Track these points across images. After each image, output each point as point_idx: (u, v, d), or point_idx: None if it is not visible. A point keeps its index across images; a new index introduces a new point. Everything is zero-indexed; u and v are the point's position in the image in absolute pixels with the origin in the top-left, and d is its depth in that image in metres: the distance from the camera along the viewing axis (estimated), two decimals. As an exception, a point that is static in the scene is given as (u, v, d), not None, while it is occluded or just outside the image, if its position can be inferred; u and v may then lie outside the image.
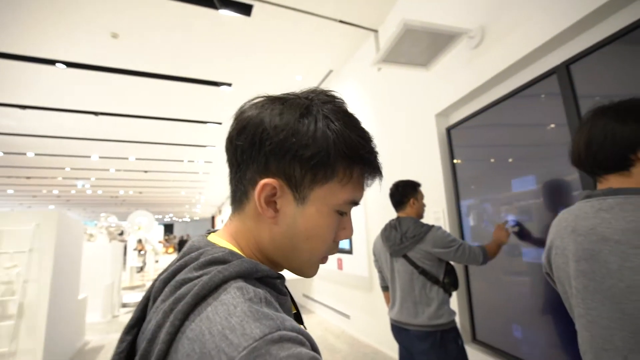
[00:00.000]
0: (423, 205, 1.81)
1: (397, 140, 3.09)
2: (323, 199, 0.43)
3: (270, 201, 0.43)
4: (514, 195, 1.92)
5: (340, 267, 4.22)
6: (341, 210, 0.45)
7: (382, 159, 0.49)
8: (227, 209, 14.58)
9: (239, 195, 0.46)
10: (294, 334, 0.32)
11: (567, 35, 1.56)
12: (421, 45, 2.01)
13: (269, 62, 4.06)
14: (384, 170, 0.49)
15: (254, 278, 0.40)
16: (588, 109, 0.86)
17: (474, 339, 2.24)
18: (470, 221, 2.29)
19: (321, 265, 0.49)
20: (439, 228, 1.67)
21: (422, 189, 1.83)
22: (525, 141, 1.87)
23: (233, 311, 0.33)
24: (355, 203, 0.46)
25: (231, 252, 0.41)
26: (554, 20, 1.57)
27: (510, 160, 2.00)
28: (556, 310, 1.64)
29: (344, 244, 3.96)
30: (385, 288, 1.94)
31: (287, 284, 0.47)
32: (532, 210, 1.82)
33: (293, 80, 4.46)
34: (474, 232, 2.26)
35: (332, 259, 4.32)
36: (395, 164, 3.05)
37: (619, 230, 0.71)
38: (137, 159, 8.47)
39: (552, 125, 1.69)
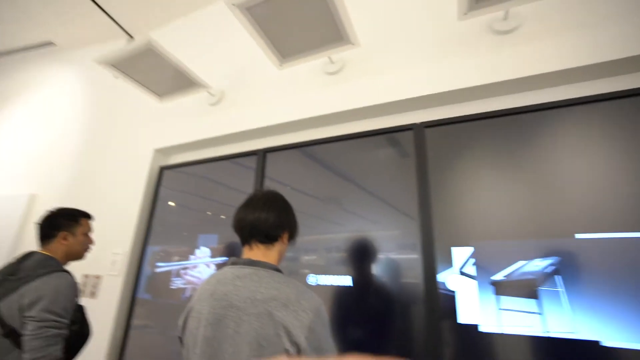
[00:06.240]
0: (84, 244, 1.46)
1: (107, 159, 2.60)
2: None
3: None
4: (195, 249, 1.99)
5: None
6: None
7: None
8: None
9: None
10: None
11: (267, 130, 1.99)
12: (162, 75, 1.92)
13: None
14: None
15: None
16: (257, 192, 1.03)
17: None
18: (149, 270, 2.12)
19: None
20: (67, 279, 1.27)
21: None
22: (224, 201, 2.06)
23: None
24: None
25: None
26: (260, 115, 1.98)
27: (209, 213, 2.11)
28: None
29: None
30: None
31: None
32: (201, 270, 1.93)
33: None
34: (150, 282, 2.08)
35: None
36: (99, 185, 2.51)
37: (243, 297, 0.79)
38: None
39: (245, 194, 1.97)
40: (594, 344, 1.08)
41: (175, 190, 2.28)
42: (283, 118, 1.92)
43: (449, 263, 1.34)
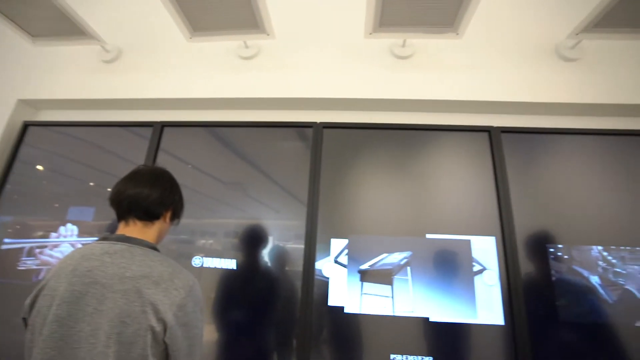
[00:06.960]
0: None
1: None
2: None
3: None
4: (64, 222, 1.74)
5: None
6: None
7: None
8: None
9: None
10: None
11: (168, 102, 1.87)
12: (39, 12, 1.59)
13: None
14: None
15: None
16: (143, 166, 0.97)
17: None
18: (-5, 242, 1.76)
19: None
20: None
21: None
22: (109, 171, 1.84)
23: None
24: None
25: None
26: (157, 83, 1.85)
27: (91, 184, 1.84)
28: None
29: None
30: None
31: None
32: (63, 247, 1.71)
33: None
34: (-7, 257, 1.73)
35: None
36: None
37: (110, 274, 0.75)
38: None
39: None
40: (425, 319, 1.37)
41: (48, 153, 1.92)
42: (187, 93, 1.82)
43: (327, 252, 1.50)
